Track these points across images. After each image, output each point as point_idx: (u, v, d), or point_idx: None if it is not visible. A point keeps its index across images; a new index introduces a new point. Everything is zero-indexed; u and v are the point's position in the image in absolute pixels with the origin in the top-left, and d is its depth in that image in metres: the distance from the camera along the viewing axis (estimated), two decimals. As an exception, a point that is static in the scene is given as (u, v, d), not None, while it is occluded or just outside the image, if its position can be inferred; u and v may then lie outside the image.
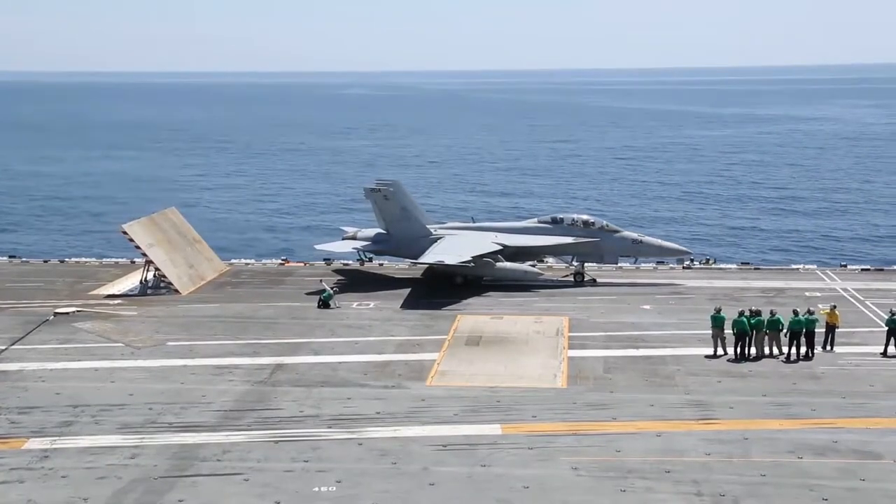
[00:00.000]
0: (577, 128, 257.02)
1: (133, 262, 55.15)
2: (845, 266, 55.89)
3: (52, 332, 41.44)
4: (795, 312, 37.11)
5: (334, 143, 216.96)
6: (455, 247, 50.47)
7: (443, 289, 49.25)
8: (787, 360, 36.42)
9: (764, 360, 36.49)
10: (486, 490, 25.17)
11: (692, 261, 55.03)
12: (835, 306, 38.81)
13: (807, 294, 47.10)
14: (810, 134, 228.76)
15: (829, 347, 37.47)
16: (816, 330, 36.83)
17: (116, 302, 47.55)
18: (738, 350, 36.69)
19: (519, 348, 38.57)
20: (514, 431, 29.23)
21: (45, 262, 59.47)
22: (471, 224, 55.70)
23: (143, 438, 28.74)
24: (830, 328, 37.62)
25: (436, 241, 51.93)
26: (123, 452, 27.65)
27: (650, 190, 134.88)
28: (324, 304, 45.59)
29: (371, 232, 54.99)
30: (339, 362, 36.68)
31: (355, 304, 46.44)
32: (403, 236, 53.07)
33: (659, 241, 53.46)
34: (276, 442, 28.43)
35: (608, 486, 25.37)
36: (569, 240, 51.98)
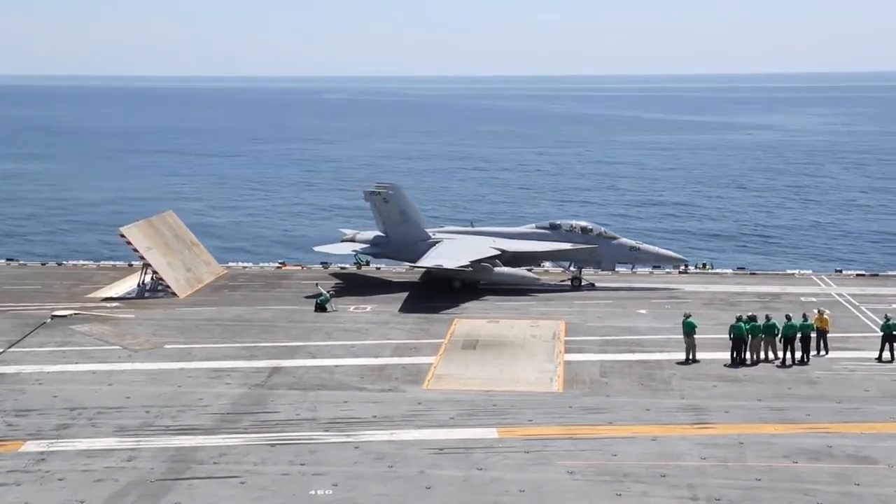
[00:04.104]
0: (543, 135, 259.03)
1: (131, 265, 55.29)
2: (840, 271, 56.07)
3: (50, 334, 41.49)
4: (788, 318, 37.26)
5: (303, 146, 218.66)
6: (454, 251, 50.50)
7: (440, 293, 49.35)
8: (783, 364, 36.54)
9: (759, 364, 36.59)
10: (482, 494, 25.23)
11: (687, 266, 55.16)
12: (823, 311, 38.98)
13: (802, 299, 47.25)
14: (804, 141, 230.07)
15: (822, 352, 37.58)
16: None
17: (114, 305, 47.61)
18: (735, 355, 36.80)
19: (515, 352, 38.66)
20: (511, 435, 29.30)
21: (43, 264, 59.57)
22: (469, 228, 55.83)
23: (139, 441, 28.78)
24: (821, 333, 37.74)
25: (434, 245, 52.05)
26: (120, 455, 27.69)
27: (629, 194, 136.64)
28: (320, 307, 45.67)
29: (370, 234, 55.01)
30: (336, 366, 36.76)
31: (352, 307, 46.53)
32: (402, 239, 53.14)
33: (656, 248, 53.88)
34: (273, 445, 28.49)
35: (604, 490, 25.43)
36: (567, 246, 52.23)
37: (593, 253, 52.00)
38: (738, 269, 57.78)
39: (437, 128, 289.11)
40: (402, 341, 40.37)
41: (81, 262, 61.39)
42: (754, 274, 55.65)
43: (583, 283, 51.73)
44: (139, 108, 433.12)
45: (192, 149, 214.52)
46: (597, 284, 51.86)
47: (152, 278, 50.67)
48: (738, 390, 33.77)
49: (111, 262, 59.54)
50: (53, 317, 44.11)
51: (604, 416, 30.96)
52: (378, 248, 54.32)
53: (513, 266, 51.39)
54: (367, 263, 57.93)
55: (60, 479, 26.13)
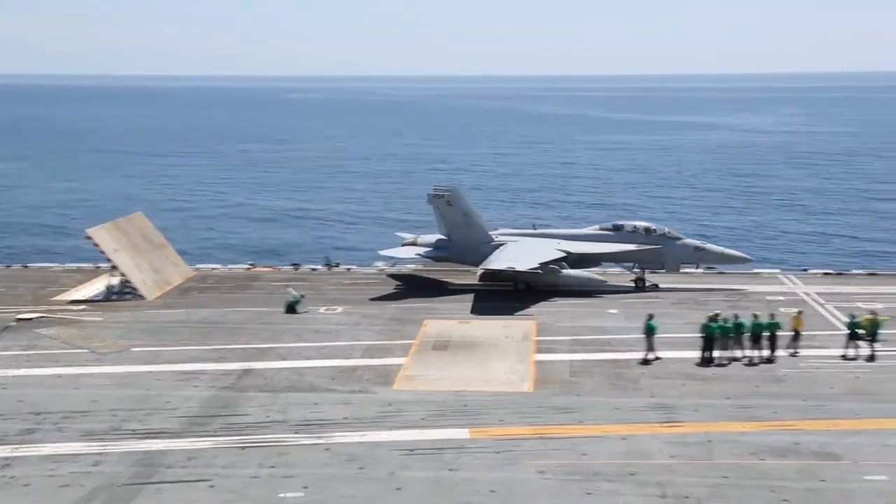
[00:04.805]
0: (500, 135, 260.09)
1: (98, 268, 54.67)
2: (806, 270, 56.66)
3: (15, 338, 40.96)
4: (755, 316, 37.62)
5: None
6: (522, 253, 49.87)
7: (415, 293, 49.46)
8: (750, 363, 36.88)
9: (729, 362, 36.88)
10: (453, 494, 25.25)
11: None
12: (801, 312, 39.43)
13: (768, 298, 47.71)
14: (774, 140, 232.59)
15: (795, 352, 37.97)
16: (780, 333, 37.37)
17: (80, 308, 47.08)
18: (705, 354, 37.05)
19: (486, 352, 38.69)
20: (482, 435, 29.32)
21: (8, 266, 58.77)
22: (531, 231, 55.44)
23: (106, 445, 28.49)
24: (794, 333, 38.16)
25: (497, 248, 51.58)
26: (87, 460, 27.40)
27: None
28: (291, 309, 45.46)
29: (431, 238, 54.58)
30: (307, 367, 36.60)
31: (323, 308, 46.35)
32: (465, 242, 52.77)
33: (721, 248, 53.62)
34: (243, 448, 28.32)
35: (574, 489, 25.54)
36: (631, 247, 51.94)
37: (658, 254, 51.71)
38: (708, 268, 57.97)
39: (402, 128, 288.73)
40: (372, 342, 40.27)
41: (47, 264, 60.68)
42: (722, 273, 55.98)
43: (647, 284, 51.59)
44: (115, 107, 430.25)
45: (155, 149, 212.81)
46: (660, 285, 51.67)
47: (120, 280, 50.16)
48: (706, 389, 34.03)
49: (77, 265, 58.84)
50: (18, 320, 43.56)
51: (574, 416, 31.08)
52: (441, 252, 53.76)
53: (576, 268, 51.14)
54: (337, 265, 57.84)
55: (26, 485, 25.81)
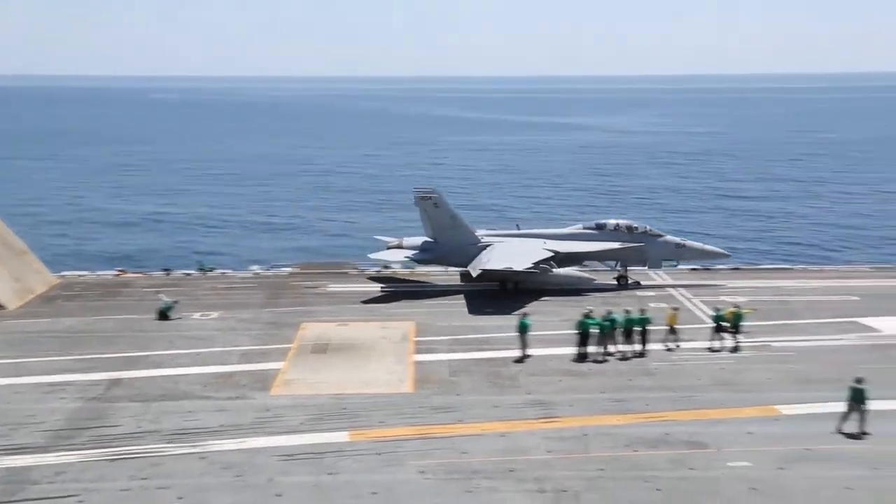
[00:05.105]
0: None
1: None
2: (676, 265, 58.52)
3: None
4: (627, 312, 38.77)
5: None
6: (516, 253, 49.84)
7: (290, 296, 48.79)
8: (623, 357, 37.94)
9: (603, 357, 37.82)
10: (334, 498, 25.04)
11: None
12: (677, 308, 40.96)
13: (639, 294, 49.25)
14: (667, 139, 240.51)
15: (674, 346, 39.27)
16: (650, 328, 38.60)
17: (-66, 319, 44.46)
18: (581, 350, 37.89)
19: (366, 354, 38.54)
20: (362, 438, 29.20)
21: None
22: (515, 231, 55.17)
23: (-35, 464, 26.99)
24: (670, 328, 39.44)
25: (484, 249, 51.42)
26: (-56, 480, 25.90)
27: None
28: (163, 315, 44.15)
29: (417, 240, 53.63)
30: (180, 375, 35.61)
31: (197, 314, 45.20)
32: (451, 244, 52.31)
33: (700, 244, 54.80)
34: (113, 460, 27.31)
35: (454, 487, 25.71)
36: (615, 245, 52.49)
37: (640, 251, 52.47)
38: (581, 266, 59.17)
39: (276, 130, 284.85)
40: (249, 347, 39.54)
41: None
42: (596, 270, 57.26)
43: (629, 282, 52.29)
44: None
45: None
46: (641, 283, 52.46)
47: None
48: (582, 384, 34.84)
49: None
50: None
51: (453, 415, 31.29)
52: (427, 254, 53.03)
53: (562, 267, 51.36)
54: (212, 269, 56.60)
55: None
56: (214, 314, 45.41)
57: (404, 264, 55.12)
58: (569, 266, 52.31)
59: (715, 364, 37.30)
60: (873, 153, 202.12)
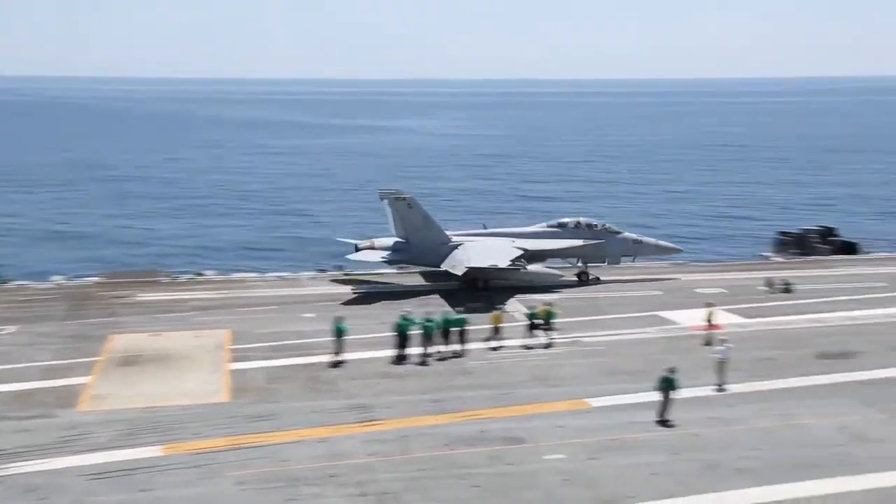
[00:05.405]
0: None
1: None
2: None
3: None
4: (445, 313, 39.39)
5: None
6: (493, 251, 51.26)
7: (96, 307, 46.51)
8: (442, 358, 38.47)
9: (422, 358, 38.14)
10: (147, 516, 24.07)
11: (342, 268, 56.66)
12: (501, 308, 42.12)
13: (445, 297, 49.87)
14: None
15: (498, 345, 40.05)
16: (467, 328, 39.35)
17: None
18: (399, 352, 38.10)
19: (179, 365, 37.28)
20: (176, 451, 28.21)
21: None
22: (482, 230, 55.73)
23: None
24: (494, 328, 40.30)
25: (455, 248, 52.22)
26: None
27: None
28: (-47, 331, 40.98)
29: (389, 241, 53.68)
30: (-26, 395, 33.17)
31: (-11, 328, 42.26)
32: (424, 244, 52.70)
33: (655, 240, 56.54)
34: None
35: (274, 496, 25.28)
36: (578, 242, 54.03)
37: (601, 248, 54.13)
38: (400, 267, 59.33)
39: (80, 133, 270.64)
40: (51, 362, 37.35)
41: None
42: (410, 272, 57.62)
43: (590, 278, 53.83)
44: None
45: None
46: (601, 278, 54.12)
47: None
48: (401, 386, 35.10)
49: None
50: None
51: (272, 423, 30.78)
52: (399, 254, 53.25)
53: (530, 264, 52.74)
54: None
55: None
56: (12, 328, 42.60)
57: (381, 265, 55.00)
58: (534, 263, 53.99)
59: (530, 361, 38.49)
60: (665, 155, 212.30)
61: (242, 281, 54.13)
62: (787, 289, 51.17)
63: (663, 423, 30.85)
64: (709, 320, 41.27)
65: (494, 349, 39.81)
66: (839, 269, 58.13)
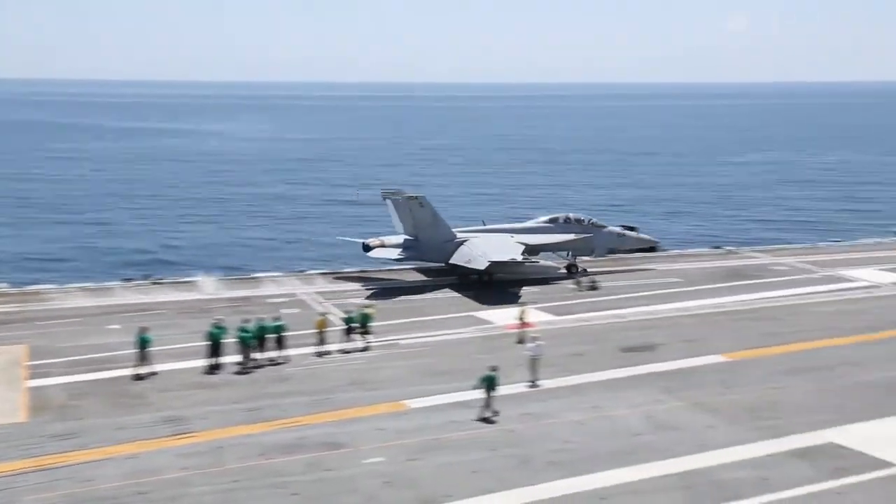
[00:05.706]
0: None
1: None
2: (304, 271, 59.06)
3: None
4: (261, 319, 38.59)
5: None
6: (504, 245, 54.03)
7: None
8: (258, 365, 37.59)
9: (237, 367, 37.18)
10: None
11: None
12: (325, 313, 41.71)
13: (269, 301, 49.06)
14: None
15: (324, 350, 39.52)
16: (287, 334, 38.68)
17: None
18: (212, 360, 36.89)
19: (-31, 384, 34.58)
20: (-33, 478, 26.13)
21: None
22: (482, 227, 58.05)
23: None
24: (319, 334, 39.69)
25: (461, 244, 54.39)
26: None
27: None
28: None
29: (398, 239, 55.49)
30: None
31: None
32: (431, 242, 54.58)
33: (637, 234, 60.51)
34: None
35: (78, 518, 23.87)
36: (570, 236, 57.58)
37: (589, 241, 57.72)
38: (220, 275, 57.37)
39: None
40: None
41: None
42: (228, 279, 55.93)
43: (578, 270, 56.64)
44: None
45: None
46: (588, 270, 56.60)
47: None
48: (215, 396, 34.07)
49: None
50: None
51: (75, 441, 29.16)
52: (409, 252, 54.93)
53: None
54: None
55: None
56: None
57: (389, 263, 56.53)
58: (532, 257, 56.30)
59: (349, 365, 38.29)
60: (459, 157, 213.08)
61: (37, 294, 50.84)
62: (593, 286, 53.47)
63: (486, 420, 31.43)
64: (521, 319, 42.51)
65: (320, 355, 39.35)
66: (640, 265, 61.16)
